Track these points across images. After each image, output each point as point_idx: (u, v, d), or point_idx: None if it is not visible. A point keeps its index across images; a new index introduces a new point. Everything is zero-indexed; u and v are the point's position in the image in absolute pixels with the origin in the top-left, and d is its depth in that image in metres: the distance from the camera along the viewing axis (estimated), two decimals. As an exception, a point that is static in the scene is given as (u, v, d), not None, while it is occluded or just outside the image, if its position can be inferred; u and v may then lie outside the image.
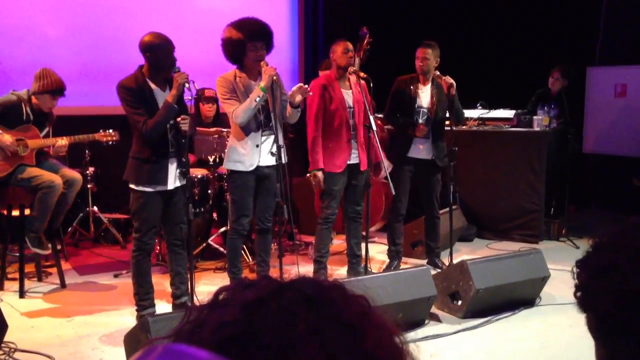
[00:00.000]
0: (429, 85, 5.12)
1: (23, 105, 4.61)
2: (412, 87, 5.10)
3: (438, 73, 5.05)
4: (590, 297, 0.95)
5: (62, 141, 4.67)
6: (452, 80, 4.92)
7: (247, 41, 4.14)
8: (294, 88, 4.29)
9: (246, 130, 4.22)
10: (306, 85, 4.32)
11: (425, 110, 5.12)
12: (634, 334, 0.90)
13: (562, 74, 6.79)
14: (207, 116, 5.81)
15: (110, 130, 4.90)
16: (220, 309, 0.62)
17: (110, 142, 4.90)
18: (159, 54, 3.85)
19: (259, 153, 4.24)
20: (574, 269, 0.98)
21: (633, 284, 0.90)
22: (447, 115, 5.18)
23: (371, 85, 4.73)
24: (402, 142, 5.17)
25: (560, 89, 6.74)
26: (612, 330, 0.93)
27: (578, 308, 0.98)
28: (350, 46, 4.67)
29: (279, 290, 0.63)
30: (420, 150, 5.15)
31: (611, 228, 0.98)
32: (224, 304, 0.63)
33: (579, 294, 0.98)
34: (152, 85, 3.94)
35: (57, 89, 4.61)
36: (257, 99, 4.09)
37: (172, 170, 3.97)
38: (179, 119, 3.91)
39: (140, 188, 3.93)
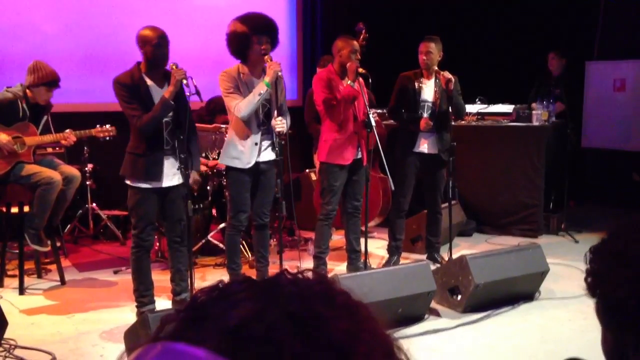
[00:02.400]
0: (432, 79, 5.11)
1: (19, 102, 4.58)
2: (415, 82, 5.10)
3: (436, 68, 5.05)
4: (603, 283, 0.96)
5: (70, 135, 4.66)
6: (450, 76, 4.92)
7: (251, 35, 4.11)
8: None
9: (247, 127, 4.22)
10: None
11: (430, 104, 5.11)
12: None
13: (557, 54, 6.78)
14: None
15: (107, 126, 4.88)
16: (198, 329, 0.60)
17: (108, 138, 4.88)
18: (154, 47, 3.85)
19: (257, 151, 4.24)
20: (587, 254, 0.99)
21: None
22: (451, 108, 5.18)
23: (369, 80, 4.72)
24: (407, 138, 5.16)
25: (562, 71, 6.71)
26: (622, 318, 0.93)
27: (587, 293, 0.98)
28: (357, 47, 4.62)
29: (262, 310, 0.60)
30: (426, 145, 5.14)
31: (628, 217, 0.99)
32: (202, 320, 0.60)
33: (589, 279, 0.98)
34: (149, 82, 3.93)
35: (51, 81, 4.59)
36: (261, 93, 4.09)
37: (168, 167, 3.96)
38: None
39: (136, 184, 3.93)
